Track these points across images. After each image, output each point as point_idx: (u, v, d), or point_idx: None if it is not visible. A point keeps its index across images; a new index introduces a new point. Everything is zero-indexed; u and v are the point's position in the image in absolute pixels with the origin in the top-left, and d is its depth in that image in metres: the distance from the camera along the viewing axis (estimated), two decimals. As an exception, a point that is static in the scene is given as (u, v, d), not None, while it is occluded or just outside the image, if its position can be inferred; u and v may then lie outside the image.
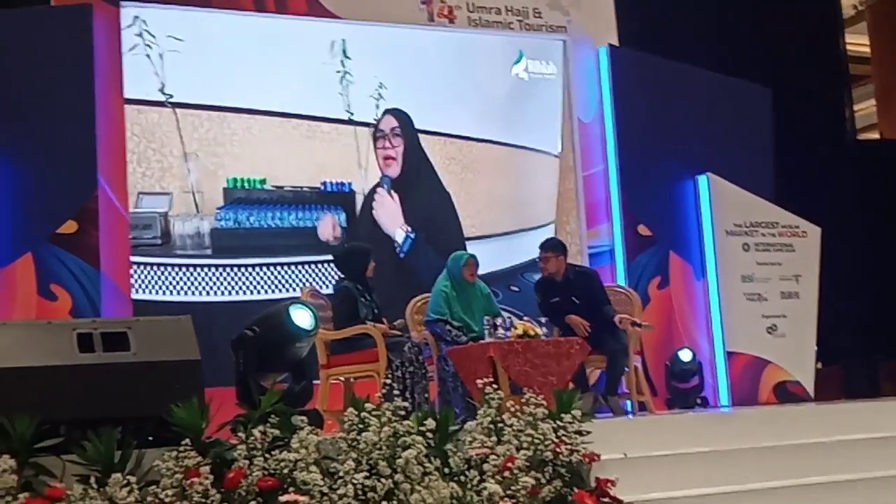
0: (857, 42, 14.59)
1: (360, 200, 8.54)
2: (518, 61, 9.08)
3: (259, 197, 8.30)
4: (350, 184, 8.53)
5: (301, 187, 8.41)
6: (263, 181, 8.28)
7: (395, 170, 8.67)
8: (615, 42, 9.23)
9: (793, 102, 10.22)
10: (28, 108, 7.13)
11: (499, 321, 6.14)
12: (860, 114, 14.62)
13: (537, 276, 7.34)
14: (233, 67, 8.18)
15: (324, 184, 8.46)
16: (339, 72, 8.51)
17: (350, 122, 8.54)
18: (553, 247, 7.06)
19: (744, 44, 10.45)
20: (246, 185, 8.27)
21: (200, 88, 8.09)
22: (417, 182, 8.75)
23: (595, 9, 9.35)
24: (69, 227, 7.15)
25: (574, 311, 6.75)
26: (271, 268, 8.24)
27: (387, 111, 8.63)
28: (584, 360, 6.36)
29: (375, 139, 8.63)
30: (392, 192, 8.65)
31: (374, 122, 8.58)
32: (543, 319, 6.67)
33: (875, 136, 15.11)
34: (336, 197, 8.49)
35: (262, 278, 8.19)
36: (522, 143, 9.02)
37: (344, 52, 8.52)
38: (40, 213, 7.12)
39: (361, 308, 6.30)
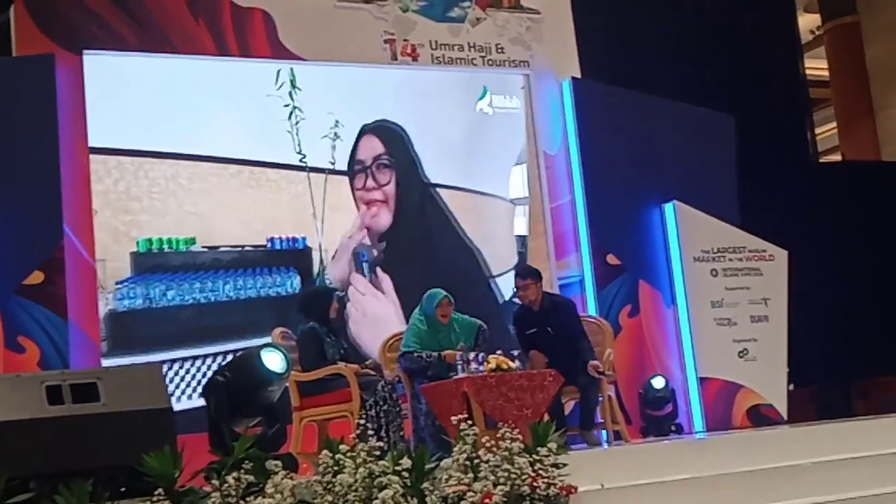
0: (816, 66, 14.83)
1: (317, 259, 7.29)
2: (482, 97, 9.14)
3: (182, 263, 6.69)
4: (304, 239, 7.23)
5: (241, 247, 6.96)
6: (191, 241, 6.85)
7: (383, 219, 7.54)
8: (578, 74, 9.32)
9: (755, 128, 10.35)
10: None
11: (471, 356, 6.14)
12: (822, 137, 14.85)
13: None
14: (154, 107, 7.13)
15: (271, 241, 7.17)
16: (287, 105, 7.38)
17: (302, 167, 7.42)
18: (532, 273, 7.00)
19: (705, 72, 10.59)
20: (166, 246, 6.68)
21: (109, 130, 7.09)
22: (421, 236, 7.47)
23: (557, 43, 9.43)
24: (36, 277, 7.08)
25: (549, 343, 6.75)
26: (198, 362, 6.54)
27: (365, 129, 7.42)
28: (558, 391, 6.36)
29: (353, 174, 7.59)
30: (376, 273, 7.17)
31: (330, 163, 7.47)
32: (516, 353, 6.68)
33: (837, 157, 15.32)
34: (287, 256, 7.06)
35: (187, 380, 6.53)
36: (485, 189, 8.67)
37: (292, 82, 7.40)
38: (6, 265, 7.04)
39: (328, 348, 6.27)
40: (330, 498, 3.69)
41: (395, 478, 3.77)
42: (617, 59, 9.97)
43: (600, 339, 7.20)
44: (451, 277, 7.19)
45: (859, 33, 14.19)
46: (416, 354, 6.44)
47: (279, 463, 3.74)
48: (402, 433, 6.09)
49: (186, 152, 7.07)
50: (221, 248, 6.90)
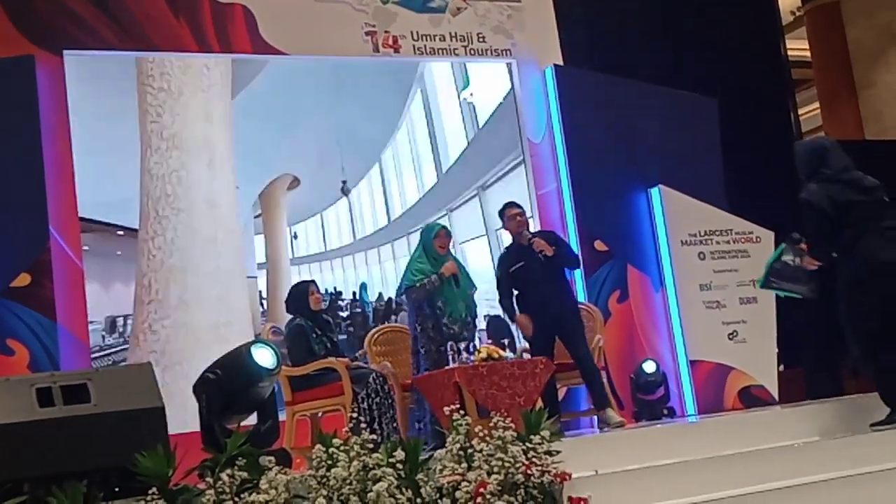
0: (798, 47, 14.84)
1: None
2: (466, 87, 9.14)
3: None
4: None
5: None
6: None
7: None
8: (560, 62, 9.31)
9: (739, 110, 10.35)
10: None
11: (462, 346, 6.15)
12: (805, 117, 14.85)
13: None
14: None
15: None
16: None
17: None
18: (519, 203, 7.08)
19: (686, 56, 10.58)
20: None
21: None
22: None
23: (538, 31, 9.42)
24: (22, 280, 7.06)
25: (542, 270, 6.75)
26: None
27: None
28: (551, 377, 6.37)
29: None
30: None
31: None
32: (506, 341, 6.70)
33: (821, 138, 15.32)
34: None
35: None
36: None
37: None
38: (-8, 268, 7.03)
39: (314, 344, 6.28)
40: (325, 492, 3.68)
41: (390, 470, 3.77)
42: (598, 45, 9.97)
43: (591, 325, 7.22)
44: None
45: (839, 13, 14.21)
46: (417, 284, 6.49)
47: (273, 459, 3.74)
48: (395, 425, 6.10)
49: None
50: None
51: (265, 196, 8.61)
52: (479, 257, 8.91)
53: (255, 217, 8.49)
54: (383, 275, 8.80)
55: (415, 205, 8.99)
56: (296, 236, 8.59)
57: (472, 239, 9.02)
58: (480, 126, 9.24)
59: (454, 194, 9.08)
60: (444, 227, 6.76)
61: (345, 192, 8.83)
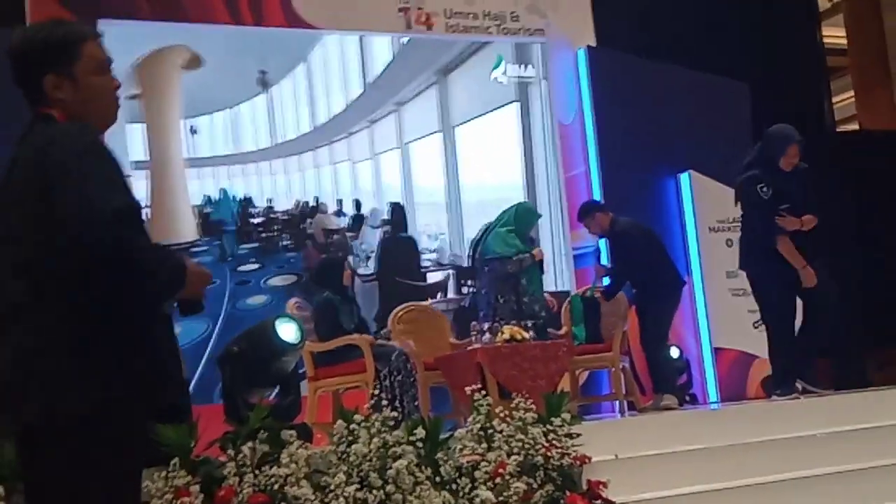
0: (834, 34, 14.68)
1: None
2: (497, 66, 9.09)
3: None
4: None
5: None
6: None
7: None
8: (593, 43, 9.25)
9: (772, 97, 10.24)
10: (2, 130, 7.05)
11: (485, 326, 6.15)
12: (839, 106, 14.70)
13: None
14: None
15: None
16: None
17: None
18: (584, 213, 7.31)
19: (721, 40, 10.47)
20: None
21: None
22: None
23: (572, 11, 9.36)
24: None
25: (624, 272, 7.07)
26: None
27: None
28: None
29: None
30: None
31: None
32: (530, 323, 6.69)
33: (854, 126, 15.20)
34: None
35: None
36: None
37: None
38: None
39: (343, 318, 6.30)
40: (344, 468, 3.70)
41: (410, 448, 3.79)
42: (632, 27, 9.87)
43: (616, 309, 7.20)
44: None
45: (878, 1, 14.04)
46: (514, 258, 6.69)
47: (294, 433, 3.76)
48: (416, 403, 6.12)
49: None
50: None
51: (145, 70, 6.97)
52: (391, 170, 8.65)
53: (130, 98, 6.79)
54: (304, 183, 8.09)
55: (340, 113, 8.40)
56: (194, 131, 7.33)
57: (386, 151, 8.66)
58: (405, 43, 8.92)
59: (376, 105, 8.58)
60: (540, 216, 7.32)
61: (263, 84, 7.64)
